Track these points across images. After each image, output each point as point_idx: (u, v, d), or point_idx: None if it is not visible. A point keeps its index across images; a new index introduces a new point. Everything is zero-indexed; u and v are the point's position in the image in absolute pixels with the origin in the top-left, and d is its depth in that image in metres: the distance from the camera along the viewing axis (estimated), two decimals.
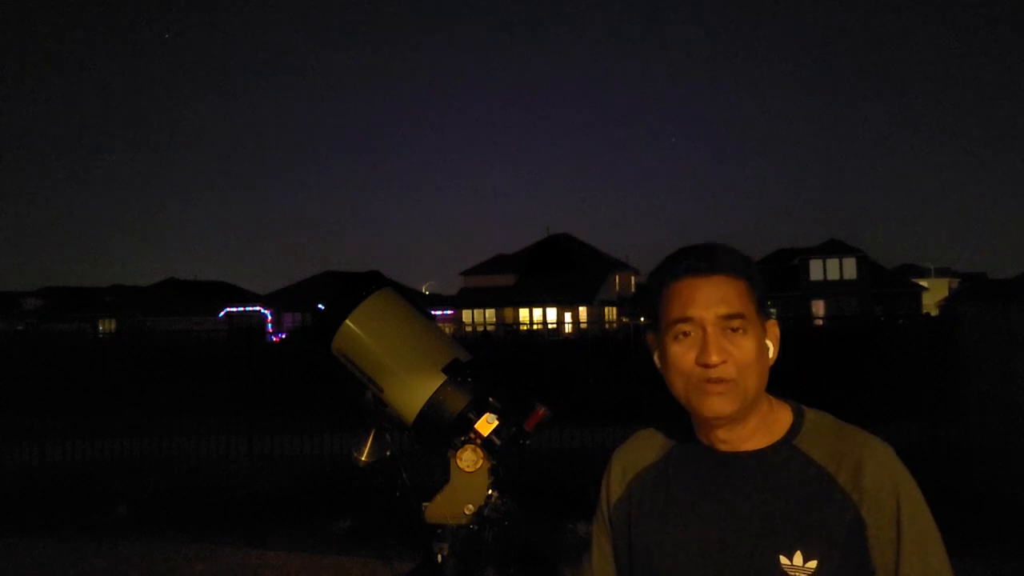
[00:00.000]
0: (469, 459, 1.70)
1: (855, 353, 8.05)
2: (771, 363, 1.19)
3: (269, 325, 40.75)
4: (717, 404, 1.14)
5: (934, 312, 35.46)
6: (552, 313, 45.29)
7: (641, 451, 1.32)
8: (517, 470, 1.77)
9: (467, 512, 1.69)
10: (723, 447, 1.20)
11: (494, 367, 1.83)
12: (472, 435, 1.70)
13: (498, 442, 1.69)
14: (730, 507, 1.16)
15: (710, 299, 1.14)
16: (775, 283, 47.65)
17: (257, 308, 47.53)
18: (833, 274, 46.40)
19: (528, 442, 1.74)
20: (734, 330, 1.14)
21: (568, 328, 39.37)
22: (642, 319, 1.31)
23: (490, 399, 1.73)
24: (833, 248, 47.04)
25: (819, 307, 44.11)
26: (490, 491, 1.69)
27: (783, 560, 1.10)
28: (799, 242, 51.99)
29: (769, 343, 1.19)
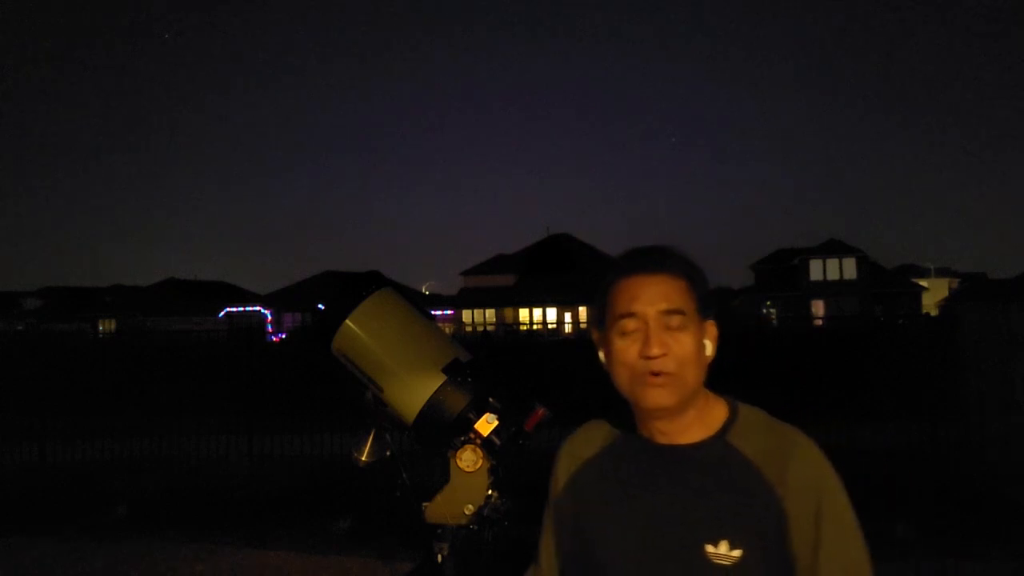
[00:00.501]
0: (469, 459, 1.70)
1: (855, 353, 8.05)
2: (709, 361, 1.25)
3: (269, 325, 40.77)
4: (658, 396, 1.20)
5: (934, 312, 35.49)
6: (552, 313, 45.29)
7: (587, 442, 1.37)
8: (517, 470, 1.77)
9: (467, 512, 1.69)
10: (661, 439, 1.26)
11: (494, 367, 1.83)
12: (472, 435, 1.70)
13: (498, 442, 1.69)
14: (665, 497, 1.22)
15: (653, 296, 1.21)
16: (775, 283, 47.71)
17: (257, 308, 47.52)
18: (833, 274, 46.39)
19: (528, 442, 1.74)
20: (674, 326, 1.20)
21: (568, 328, 39.38)
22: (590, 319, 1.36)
23: (490, 399, 1.73)
24: (833, 248, 47.03)
25: (819, 307, 44.10)
26: (490, 491, 1.69)
27: (709, 548, 1.15)
28: (799, 242, 51.96)
29: (707, 342, 1.25)
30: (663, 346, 1.19)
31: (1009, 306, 7.10)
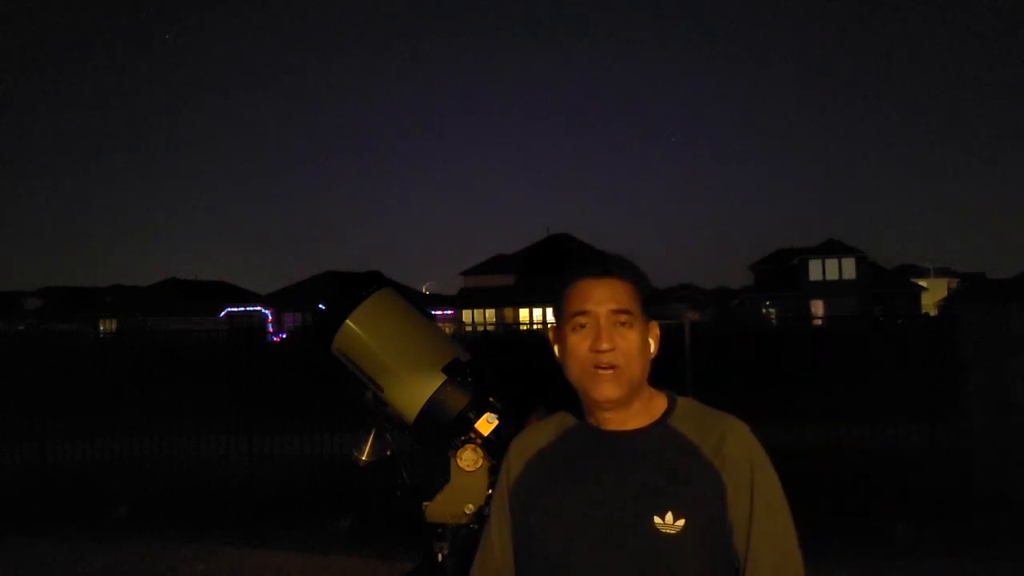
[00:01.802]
0: (469, 459, 1.70)
1: (855, 353, 8.04)
2: (652, 357, 1.39)
3: (269, 325, 40.75)
4: (606, 389, 1.32)
5: (933, 312, 35.47)
6: (552, 313, 45.25)
7: (537, 435, 1.47)
8: None
9: (467, 512, 1.69)
10: (608, 427, 1.37)
11: (494, 367, 1.83)
12: (472, 435, 1.71)
13: (498, 442, 1.69)
14: (614, 477, 1.32)
15: (603, 296, 1.35)
16: (775, 283, 47.70)
17: (257, 308, 47.48)
18: (832, 274, 46.37)
19: None
20: (622, 324, 1.34)
21: None
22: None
23: (490, 399, 1.73)
24: (833, 248, 47.01)
25: (818, 307, 44.07)
26: (490, 491, 1.69)
27: (656, 520, 1.27)
28: (799, 242, 51.92)
29: (651, 340, 1.39)
30: (611, 341, 1.32)
31: (1008, 306, 7.09)
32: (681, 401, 1.42)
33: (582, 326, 1.35)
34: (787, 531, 1.31)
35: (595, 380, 1.33)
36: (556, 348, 1.42)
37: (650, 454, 1.33)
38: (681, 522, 1.26)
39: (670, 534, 1.25)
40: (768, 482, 1.31)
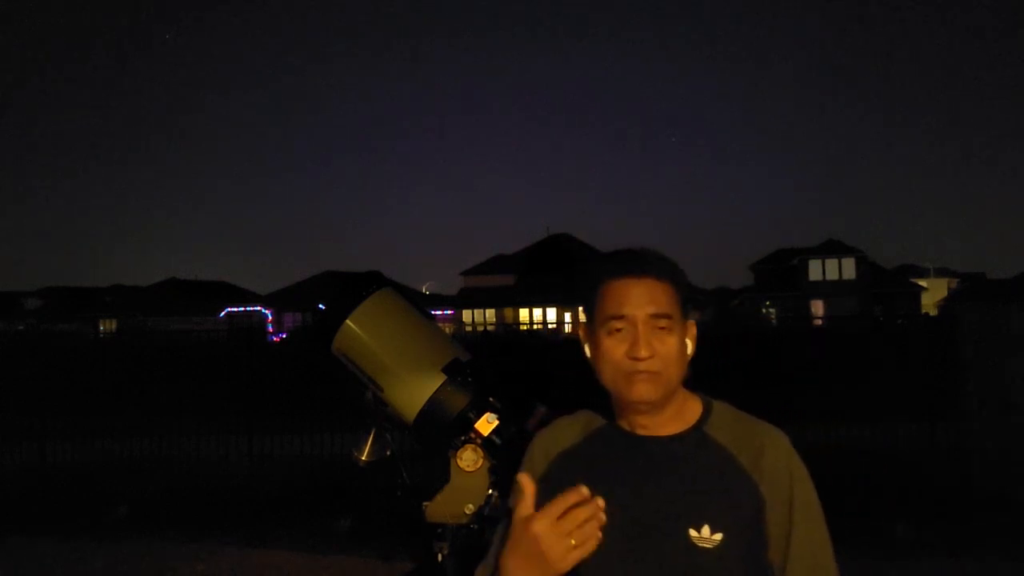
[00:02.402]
0: (469, 459, 1.70)
1: (855, 353, 8.04)
2: (689, 358, 1.32)
3: (269, 325, 40.74)
4: (643, 389, 1.25)
5: (933, 312, 35.48)
6: (552, 313, 45.29)
7: (561, 435, 1.41)
8: (517, 470, 1.77)
9: (468, 512, 1.69)
10: (641, 431, 1.32)
11: (494, 367, 1.83)
12: (472, 435, 1.71)
13: (498, 442, 1.69)
14: (646, 486, 1.27)
15: (642, 299, 1.27)
16: (775, 283, 47.71)
17: (257, 308, 47.49)
18: (832, 274, 46.38)
19: (528, 442, 1.74)
20: (661, 328, 1.26)
21: (568, 328, 39.37)
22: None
23: (490, 399, 1.73)
24: (833, 248, 47.02)
25: (819, 307, 44.07)
26: (490, 491, 1.70)
27: (692, 533, 1.21)
28: (799, 242, 51.92)
29: (688, 341, 1.32)
30: (650, 348, 1.25)
31: (1008, 306, 7.10)
32: (717, 406, 1.36)
33: (618, 330, 1.27)
34: (825, 546, 1.27)
35: (631, 382, 1.26)
36: (587, 347, 1.35)
37: (685, 463, 1.28)
38: (719, 536, 1.21)
39: (707, 548, 1.20)
40: (807, 496, 1.27)
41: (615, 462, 1.31)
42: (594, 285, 1.32)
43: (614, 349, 1.27)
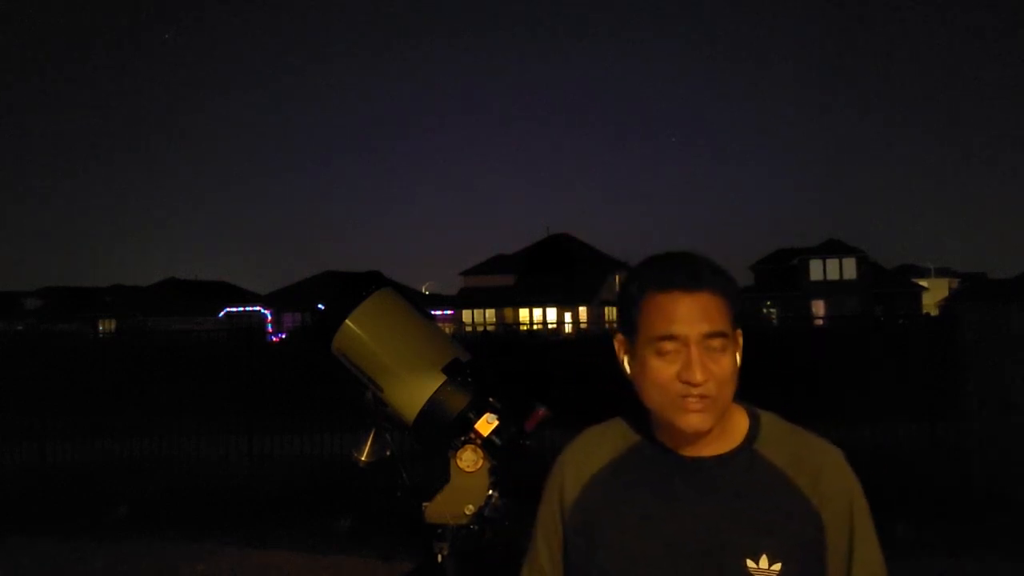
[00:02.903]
0: (469, 459, 1.70)
1: (855, 353, 8.04)
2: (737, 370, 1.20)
3: (269, 325, 40.74)
4: (696, 421, 1.14)
5: (934, 312, 35.49)
6: (552, 313, 45.28)
7: (594, 453, 1.29)
8: (517, 470, 1.77)
9: (467, 512, 1.69)
10: (685, 450, 1.21)
11: (494, 367, 1.83)
12: (472, 435, 1.70)
13: (498, 442, 1.69)
14: (695, 513, 1.16)
15: (694, 316, 1.14)
16: (775, 283, 47.71)
17: (257, 308, 47.51)
18: (833, 274, 46.41)
19: (528, 442, 1.74)
20: (716, 349, 1.14)
21: (568, 328, 39.37)
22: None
23: (490, 399, 1.73)
24: (833, 248, 47.04)
25: (819, 307, 44.09)
26: (490, 491, 1.69)
27: (750, 564, 1.12)
28: (799, 242, 51.85)
29: (737, 354, 1.19)
30: (706, 372, 1.12)
31: (1008, 306, 7.10)
32: (765, 419, 1.24)
33: (668, 350, 1.14)
34: (882, 568, 1.20)
35: (683, 413, 1.14)
36: (626, 363, 1.22)
37: (738, 486, 1.17)
38: (777, 566, 1.11)
39: None
40: (865, 517, 1.18)
41: (657, 486, 1.20)
42: (638, 295, 1.18)
43: (663, 370, 1.14)
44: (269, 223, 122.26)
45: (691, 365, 1.12)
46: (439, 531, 1.70)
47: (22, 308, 55.03)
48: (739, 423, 1.23)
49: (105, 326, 38.04)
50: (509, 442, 1.70)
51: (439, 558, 1.69)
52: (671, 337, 1.14)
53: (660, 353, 1.15)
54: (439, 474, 1.74)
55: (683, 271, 1.17)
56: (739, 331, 1.20)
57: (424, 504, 1.73)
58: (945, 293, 52.74)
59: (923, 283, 49.73)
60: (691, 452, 1.20)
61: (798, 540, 1.14)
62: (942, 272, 57.71)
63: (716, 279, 1.18)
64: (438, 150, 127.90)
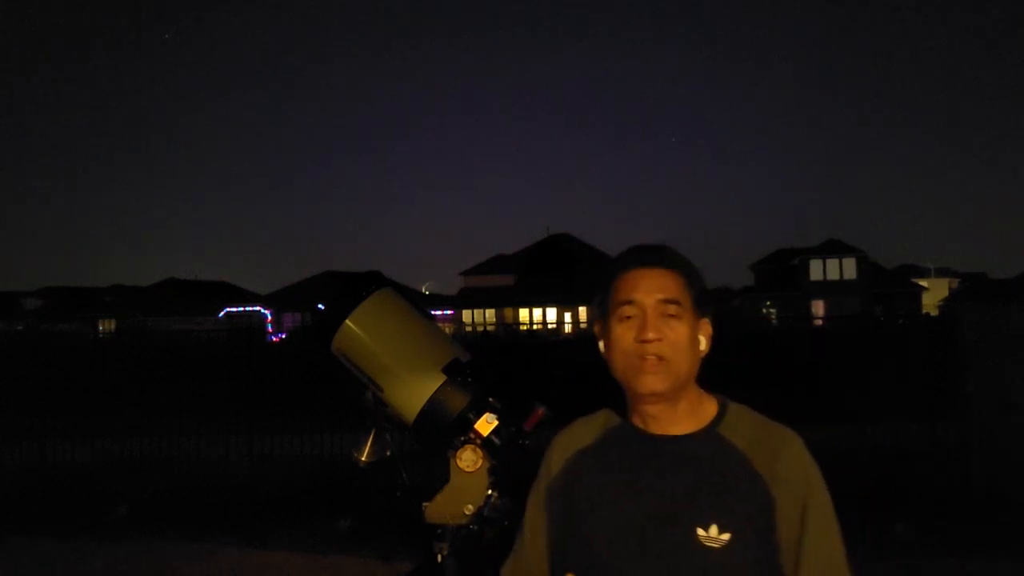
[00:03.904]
0: (469, 459, 1.70)
1: (855, 353, 8.04)
2: (703, 355, 1.33)
3: (269, 325, 40.75)
4: (651, 381, 1.27)
5: (934, 312, 35.50)
6: (552, 313, 45.29)
7: (579, 434, 1.43)
8: (517, 470, 1.77)
9: (467, 512, 1.69)
10: (655, 428, 1.33)
11: (494, 367, 1.83)
12: (472, 435, 1.70)
13: (498, 442, 1.69)
14: (658, 484, 1.28)
15: (652, 286, 1.30)
16: (775, 283, 47.71)
17: (257, 308, 47.52)
18: (833, 274, 46.39)
19: (528, 442, 1.74)
20: (671, 315, 1.29)
21: (568, 328, 39.37)
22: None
23: (490, 399, 1.73)
24: (833, 248, 47.03)
25: (819, 307, 44.08)
26: (490, 491, 1.69)
27: (700, 532, 1.22)
28: (799, 242, 51.98)
29: (702, 337, 1.33)
30: (658, 332, 1.27)
31: (1009, 306, 7.10)
32: (732, 407, 1.36)
33: (628, 317, 1.30)
34: (838, 552, 1.27)
35: (640, 372, 1.27)
36: (601, 343, 1.37)
37: (697, 462, 1.28)
38: (726, 536, 1.21)
39: (714, 548, 1.21)
40: (821, 501, 1.27)
41: (627, 460, 1.33)
42: (609, 279, 1.35)
43: (624, 335, 1.30)
44: (269, 223, 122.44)
45: (646, 325, 1.28)
46: (439, 531, 1.70)
47: (22, 308, 55.02)
48: (708, 409, 1.35)
49: (105, 326, 38.07)
50: (509, 442, 1.70)
51: (439, 558, 1.69)
52: (630, 302, 1.30)
53: (622, 319, 1.30)
54: (439, 474, 1.74)
55: (646, 253, 1.36)
56: (706, 320, 1.34)
57: (424, 504, 1.73)
58: (945, 293, 52.75)
59: (923, 283, 49.73)
60: (660, 431, 1.32)
61: (749, 515, 1.23)
62: (942, 272, 57.72)
63: (673, 259, 1.34)
64: (438, 150, 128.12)
